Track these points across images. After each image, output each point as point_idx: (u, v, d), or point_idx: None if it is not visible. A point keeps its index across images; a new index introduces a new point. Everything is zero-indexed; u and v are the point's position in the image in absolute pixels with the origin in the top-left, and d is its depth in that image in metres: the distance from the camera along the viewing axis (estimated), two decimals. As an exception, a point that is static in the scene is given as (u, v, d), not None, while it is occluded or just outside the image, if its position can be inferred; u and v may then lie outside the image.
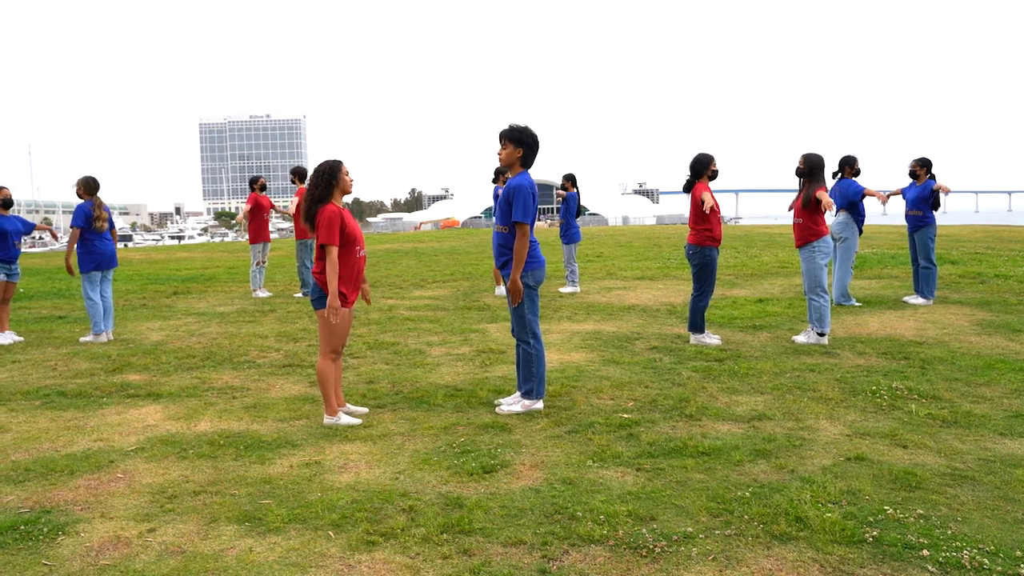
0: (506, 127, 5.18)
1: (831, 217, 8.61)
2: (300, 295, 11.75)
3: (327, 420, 5.00)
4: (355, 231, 4.98)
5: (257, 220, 11.99)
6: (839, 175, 9.34)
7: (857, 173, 9.34)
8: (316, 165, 5.00)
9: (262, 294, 11.82)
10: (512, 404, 5.22)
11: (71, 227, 8.10)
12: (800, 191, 7.39)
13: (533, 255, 5.16)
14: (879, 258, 14.86)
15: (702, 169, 7.16)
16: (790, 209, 7.53)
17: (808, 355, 6.69)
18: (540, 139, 5.23)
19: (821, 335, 7.11)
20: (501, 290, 9.36)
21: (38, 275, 16.42)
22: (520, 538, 3.28)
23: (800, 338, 7.27)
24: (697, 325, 7.29)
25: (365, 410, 5.27)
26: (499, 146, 5.21)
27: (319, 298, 4.92)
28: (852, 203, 9.19)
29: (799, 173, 7.36)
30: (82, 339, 8.26)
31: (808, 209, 7.23)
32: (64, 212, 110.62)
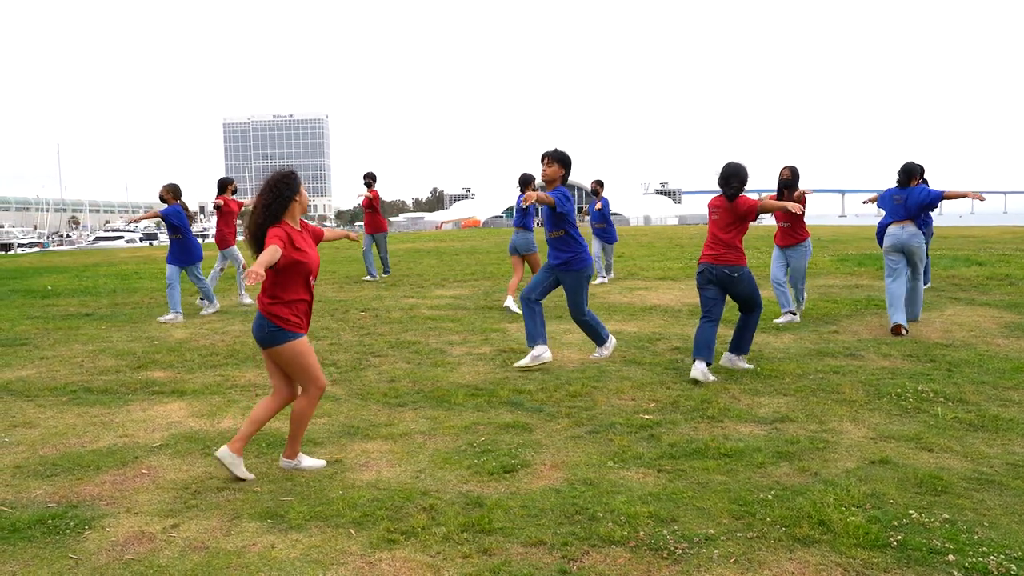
0: (553, 149, 6.14)
1: (890, 226, 8.11)
2: (369, 278, 13.21)
3: (284, 464, 4.22)
4: (308, 258, 4.07)
5: (227, 225, 10.72)
6: (903, 183, 7.93)
7: (924, 182, 8.17)
8: (269, 176, 4.24)
9: (209, 310, 10.01)
10: (599, 352, 6.60)
11: (162, 216, 9.43)
12: (781, 199, 8.15)
13: (583, 257, 6.34)
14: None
15: (746, 179, 6.12)
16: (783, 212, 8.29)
17: (832, 357, 6.63)
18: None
19: (794, 314, 8.43)
20: (509, 302, 9.51)
21: (65, 273, 16.66)
22: (540, 538, 3.28)
23: (784, 320, 8.39)
24: (744, 346, 6.30)
25: (323, 463, 4.31)
26: (543, 164, 6.14)
27: (273, 332, 3.98)
28: (925, 208, 7.87)
29: (786, 184, 8.28)
30: (161, 319, 9.40)
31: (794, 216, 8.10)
32: (91, 211, 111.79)
